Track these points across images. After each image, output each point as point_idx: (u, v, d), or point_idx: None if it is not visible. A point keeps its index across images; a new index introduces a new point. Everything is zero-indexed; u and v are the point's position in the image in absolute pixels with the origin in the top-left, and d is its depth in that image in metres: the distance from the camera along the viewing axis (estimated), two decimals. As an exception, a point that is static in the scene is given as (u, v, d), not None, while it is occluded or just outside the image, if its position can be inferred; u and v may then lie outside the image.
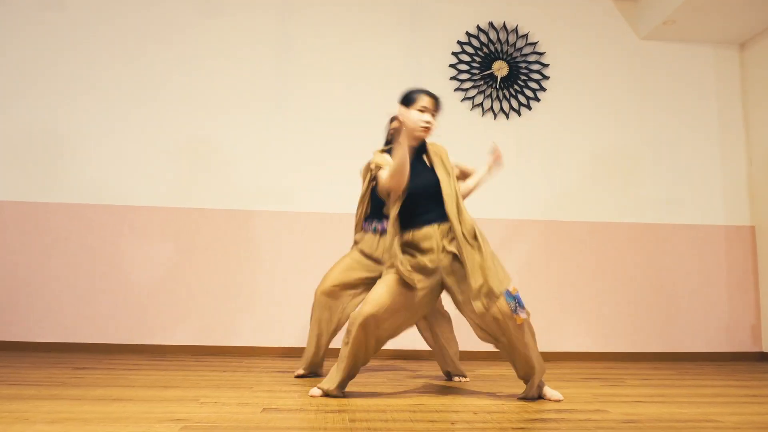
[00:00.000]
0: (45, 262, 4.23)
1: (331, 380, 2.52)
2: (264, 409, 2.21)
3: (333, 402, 2.39)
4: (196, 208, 4.35)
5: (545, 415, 2.20)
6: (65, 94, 4.43)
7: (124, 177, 4.37)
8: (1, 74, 4.40)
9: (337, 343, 3.24)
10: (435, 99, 2.64)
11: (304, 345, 3.88)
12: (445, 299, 3.00)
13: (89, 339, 4.17)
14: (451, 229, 2.53)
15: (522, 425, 2.02)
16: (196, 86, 4.51)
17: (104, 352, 4.12)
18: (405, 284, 2.48)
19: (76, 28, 4.50)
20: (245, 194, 4.40)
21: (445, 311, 3.35)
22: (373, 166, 2.69)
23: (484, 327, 2.47)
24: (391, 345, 2.92)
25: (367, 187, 3.26)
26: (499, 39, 4.78)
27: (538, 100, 4.74)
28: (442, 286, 2.58)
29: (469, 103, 4.70)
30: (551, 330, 4.45)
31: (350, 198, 4.27)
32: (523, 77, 4.75)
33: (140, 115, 4.45)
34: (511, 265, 4.46)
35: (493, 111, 4.71)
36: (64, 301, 4.20)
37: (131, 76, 4.49)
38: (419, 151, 2.71)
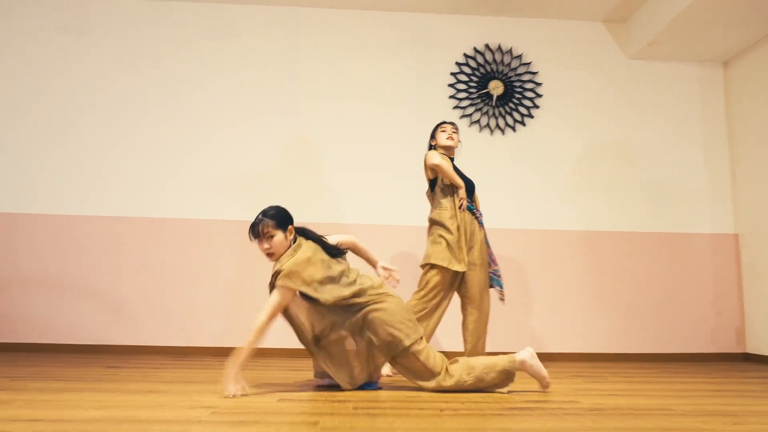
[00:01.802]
0: (76, 271, 4.60)
1: None
2: (280, 399, 2.55)
3: (340, 394, 2.73)
4: (216, 220, 4.71)
5: (524, 405, 2.52)
6: (83, 111, 4.81)
7: (151, 190, 4.74)
8: (24, 88, 4.79)
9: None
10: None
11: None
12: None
13: (115, 341, 4.53)
14: None
15: (501, 412, 2.35)
16: (210, 104, 4.88)
17: (130, 353, 4.47)
18: None
19: (94, 51, 4.88)
20: (259, 205, 4.74)
21: None
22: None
23: None
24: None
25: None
26: (494, 60, 5.11)
27: (532, 116, 5.07)
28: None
29: (467, 120, 5.04)
30: (544, 333, 4.77)
31: (355, 210, 4.62)
32: (517, 95, 5.09)
33: (161, 133, 4.82)
34: (507, 271, 4.79)
35: (489, 127, 5.04)
36: (90, 307, 4.57)
37: (147, 95, 4.86)
38: None
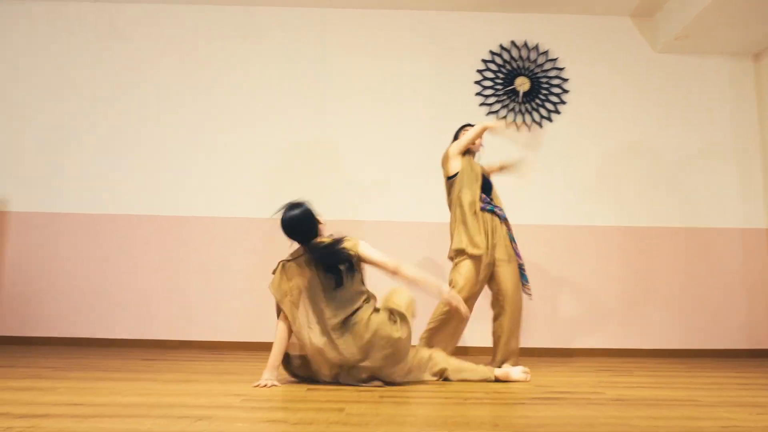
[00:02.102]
0: (105, 269, 4.76)
1: None
2: (309, 389, 2.63)
3: (367, 386, 2.80)
4: (244, 218, 4.82)
5: (547, 395, 2.56)
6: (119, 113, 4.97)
7: (183, 188, 4.87)
8: (62, 95, 4.96)
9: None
10: None
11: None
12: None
13: (149, 336, 4.67)
14: None
15: (524, 401, 2.39)
16: (234, 104, 5.00)
17: (165, 347, 4.61)
18: None
19: (137, 56, 5.04)
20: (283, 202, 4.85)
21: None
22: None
23: None
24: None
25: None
26: (520, 56, 5.13)
27: (558, 112, 5.07)
28: None
29: (493, 117, 5.06)
30: (570, 328, 4.77)
31: (378, 209, 4.69)
32: (544, 91, 5.09)
33: (186, 133, 4.96)
34: (534, 267, 4.81)
35: (516, 124, 5.06)
36: (124, 303, 4.72)
37: (173, 95, 5.00)
38: None
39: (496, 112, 5.07)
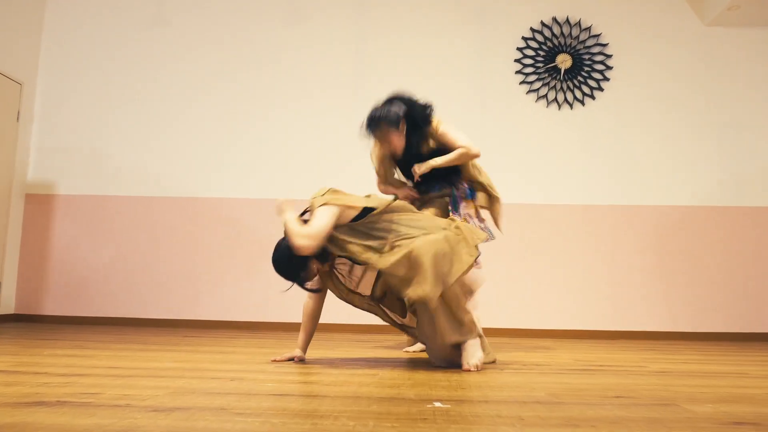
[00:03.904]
0: (153, 251, 4.85)
1: None
2: (343, 358, 2.62)
3: (402, 353, 2.77)
4: (293, 199, 4.83)
5: (587, 367, 2.48)
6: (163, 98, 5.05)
7: (227, 172, 4.93)
8: (109, 81, 5.07)
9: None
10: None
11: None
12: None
13: (193, 317, 4.74)
14: None
15: (563, 371, 2.32)
16: (282, 84, 5.01)
17: (208, 327, 4.67)
18: None
19: (179, 41, 5.11)
20: (323, 182, 4.85)
21: None
22: None
23: None
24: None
25: None
26: (562, 33, 5.00)
27: (601, 89, 4.93)
28: None
29: (533, 95, 4.95)
30: (618, 310, 4.63)
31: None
32: (586, 68, 4.96)
33: (231, 116, 5.00)
34: (576, 249, 4.69)
35: (557, 102, 4.94)
36: (170, 284, 4.80)
37: (219, 81, 5.05)
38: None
39: (536, 90, 4.96)
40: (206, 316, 4.75)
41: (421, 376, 2.11)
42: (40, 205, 4.95)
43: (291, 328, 4.62)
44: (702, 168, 4.83)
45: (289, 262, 2.33)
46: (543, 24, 5.02)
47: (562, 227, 4.79)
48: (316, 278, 2.53)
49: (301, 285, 2.43)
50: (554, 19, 5.02)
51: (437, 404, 1.52)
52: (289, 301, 4.75)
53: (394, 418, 1.34)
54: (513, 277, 4.67)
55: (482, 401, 1.60)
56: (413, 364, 2.51)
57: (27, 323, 4.62)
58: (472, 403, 1.56)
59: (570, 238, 4.75)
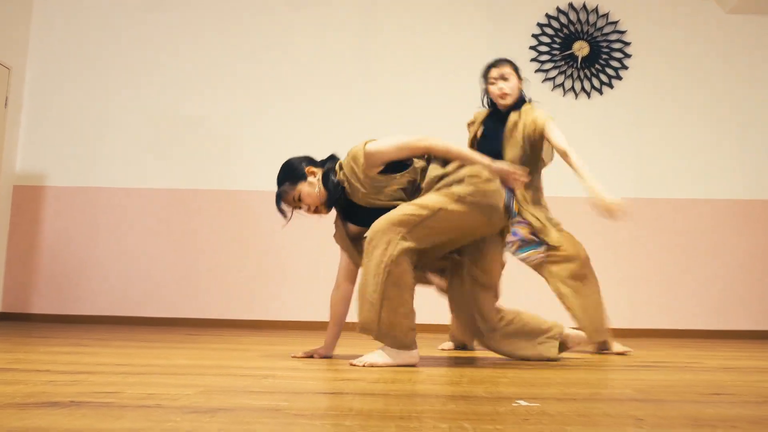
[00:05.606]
0: (149, 245, 4.58)
1: None
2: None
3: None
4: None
5: (648, 364, 2.27)
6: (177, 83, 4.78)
7: (228, 163, 4.67)
8: (103, 67, 4.79)
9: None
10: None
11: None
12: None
13: (191, 315, 4.47)
14: None
15: (619, 368, 2.10)
16: (288, 73, 4.77)
17: (206, 326, 4.40)
18: None
19: (176, 26, 4.85)
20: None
21: None
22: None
23: None
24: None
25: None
26: (579, 20, 4.81)
27: (620, 78, 4.74)
28: None
29: (549, 84, 4.76)
30: (642, 306, 4.43)
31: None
32: (604, 56, 4.77)
33: (235, 106, 4.75)
34: (597, 242, 4.48)
35: (574, 90, 4.74)
36: (165, 280, 4.53)
37: (218, 66, 4.79)
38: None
39: (552, 78, 4.76)
40: (206, 315, 4.48)
41: (470, 372, 1.88)
42: (28, 197, 4.65)
43: (292, 326, 4.38)
44: (724, 160, 4.65)
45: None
46: (559, 10, 4.82)
47: (578, 219, 4.57)
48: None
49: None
50: (570, 5, 4.83)
51: (522, 402, 1.29)
52: (290, 301, 4.52)
53: (489, 419, 1.10)
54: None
55: (569, 399, 1.37)
56: (450, 361, 2.28)
57: (15, 322, 4.33)
58: (560, 401, 1.33)
59: (586, 230, 4.53)
